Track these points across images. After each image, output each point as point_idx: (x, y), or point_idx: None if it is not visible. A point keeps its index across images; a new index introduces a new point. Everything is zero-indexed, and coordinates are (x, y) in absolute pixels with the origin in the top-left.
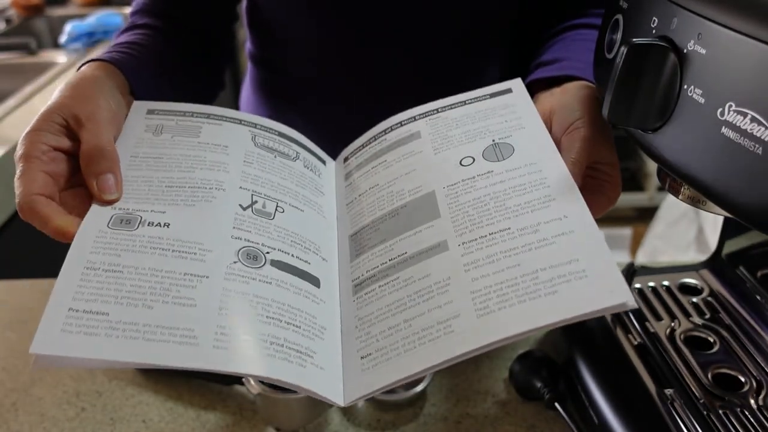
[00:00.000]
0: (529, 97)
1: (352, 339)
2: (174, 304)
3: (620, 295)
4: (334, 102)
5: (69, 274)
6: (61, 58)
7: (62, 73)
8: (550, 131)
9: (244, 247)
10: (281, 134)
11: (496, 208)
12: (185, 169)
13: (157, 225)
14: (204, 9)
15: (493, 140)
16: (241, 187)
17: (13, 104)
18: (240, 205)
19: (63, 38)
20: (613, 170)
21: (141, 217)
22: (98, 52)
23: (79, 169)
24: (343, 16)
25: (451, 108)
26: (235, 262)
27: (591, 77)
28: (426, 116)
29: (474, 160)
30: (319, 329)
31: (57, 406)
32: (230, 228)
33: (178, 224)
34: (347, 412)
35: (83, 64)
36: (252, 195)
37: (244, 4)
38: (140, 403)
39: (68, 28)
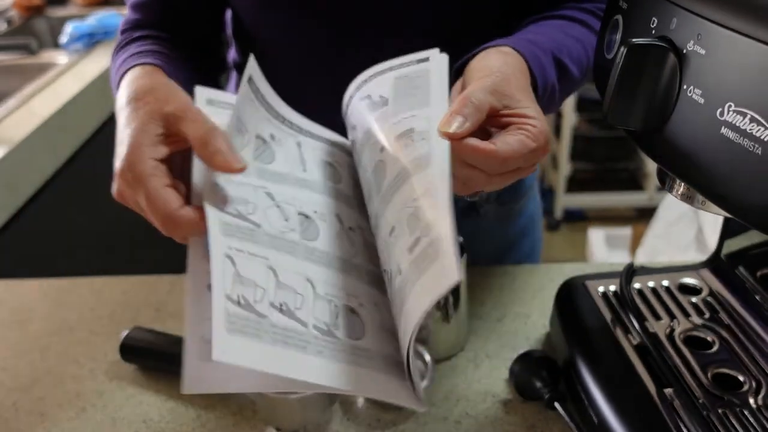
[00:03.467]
0: (443, 71)
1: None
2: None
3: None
4: (317, 110)
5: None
6: (61, 58)
7: (62, 73)
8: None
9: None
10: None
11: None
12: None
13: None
14: (193, 20)
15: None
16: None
17: (14, 104)
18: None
19: (63, 39)
20: (526, 112)
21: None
22: (129, 60)
23: (178, 172)
24: (323, 28)
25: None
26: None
27: (524, 48)
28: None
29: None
30: None
31: (57, 406)
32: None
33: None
34: (347, 411)
35: (126, 72)
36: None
37: (228, 13)
38: (140, 403)
39: (69, 28)
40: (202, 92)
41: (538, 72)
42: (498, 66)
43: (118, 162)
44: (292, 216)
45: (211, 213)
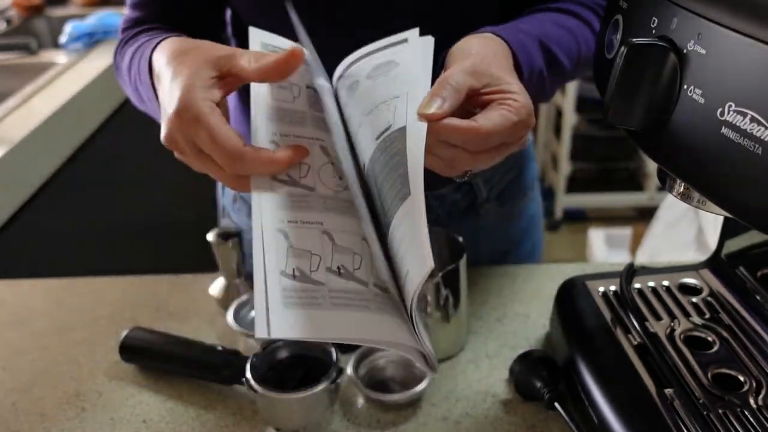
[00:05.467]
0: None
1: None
2: None
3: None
4: None
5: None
6: (61, 58)
7: (62, 73)
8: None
9: None
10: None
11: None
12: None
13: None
14: (193, 18)
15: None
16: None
17: (13, 104)
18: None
19: (63, 38)
20: (506, 88)
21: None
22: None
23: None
24: (319, 28)
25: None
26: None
27: (507, 34)
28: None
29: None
30: None
31: (57, 406)
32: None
33: None
34: (347, 412)
35: (156, 46)
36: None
37: (228, 12)
38: (140, 403)
39: (68, 28)
40: (256, 34)
41: (522, 56)
42: (477, 49)
43: (171, 107)
44: (345, 172)
45: (261, 182)
